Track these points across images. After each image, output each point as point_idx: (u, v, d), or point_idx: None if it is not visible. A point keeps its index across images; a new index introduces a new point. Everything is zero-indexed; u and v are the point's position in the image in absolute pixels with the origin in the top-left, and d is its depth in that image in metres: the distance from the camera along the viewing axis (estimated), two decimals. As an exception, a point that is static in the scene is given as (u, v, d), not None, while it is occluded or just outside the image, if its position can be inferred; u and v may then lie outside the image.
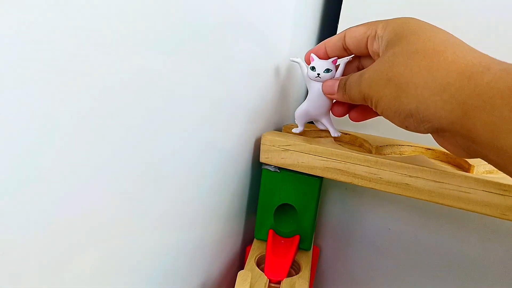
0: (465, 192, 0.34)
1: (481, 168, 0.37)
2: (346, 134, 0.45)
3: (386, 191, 0.38)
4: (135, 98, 0.22)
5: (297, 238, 0.45)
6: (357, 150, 0.41)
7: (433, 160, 0.40)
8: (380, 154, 0.41)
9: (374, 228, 0.51)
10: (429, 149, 0.42)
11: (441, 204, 0.36)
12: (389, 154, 0.41)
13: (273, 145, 0.42)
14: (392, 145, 0.42)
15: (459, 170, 0.37)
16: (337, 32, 0.46)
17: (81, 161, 0.19)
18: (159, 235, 0.30)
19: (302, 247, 0.45)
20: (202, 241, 0.38)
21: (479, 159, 0.37)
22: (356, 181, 0.39)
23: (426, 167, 0.36)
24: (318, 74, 0.39)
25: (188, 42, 0.26)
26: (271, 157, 0.42)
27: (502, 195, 0.33)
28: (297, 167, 0.41)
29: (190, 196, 0.33)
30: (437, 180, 0.35)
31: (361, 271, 0.54)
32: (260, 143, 0.42)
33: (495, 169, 0.36)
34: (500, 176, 0.35)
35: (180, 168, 0.30)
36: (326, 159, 0.40)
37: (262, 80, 0.41)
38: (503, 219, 0.34)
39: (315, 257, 0.50)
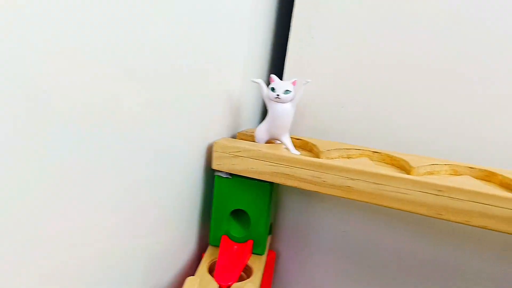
0: (402, 193, 0.36)
1: (421, 169, 0.38)
2: (297, 139, 0.46)
3: (330, 194, 0.39)
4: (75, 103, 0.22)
5: (250, 243, 0.45)
6: (307, 155, 0.42)
7: (377, 163, 0.42)
8: (328, 157, 0.42)
9: (330, 232, 0.52)
10: (376, 152, 0.43)
11: (381, 205, 0.37)
12: (336, 157, 0.42)
13: (224, 152, 0.42)
14: (339, 149, 0.43)
15: (401, 171, 0.39)
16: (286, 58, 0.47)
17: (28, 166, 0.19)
18: (111, 242, 0.30)
19: (256, 252, 0.46)
20: (156, 247, 0.38)
21: (421, 161, 0.38)
22: (302, 185, 0.40)
23: (367, 170, 0.37)
24: (278, 95, 0.40)
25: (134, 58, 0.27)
26: (223, 163, 0.43)
27: (436, 195, 0.34)
28: (247, 173, 0.42)
29: (140, 202, 0.33)
30: (377, 182, 0.36)
31: (319, 274, 0.54)
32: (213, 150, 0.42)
33: (437, 170, 0.37)
34: (437, 177, 0.37)
35: (127, 174, 0.30)
36: (273, 164, 0.40)
37: (214, 88, 0.42)
38: (439, 218, 0.35)
39: (271, 261, 0.51)
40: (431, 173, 0.39)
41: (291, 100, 0.42)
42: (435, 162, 0.39)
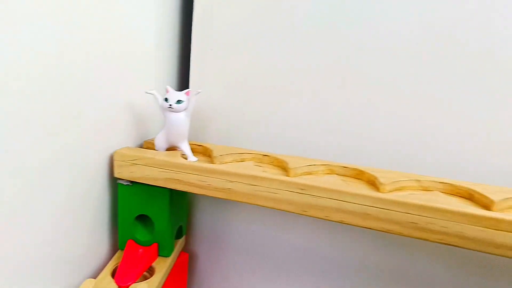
0: (273, 192, 0.39)
1: (299, 170, 0.42)
2: (199, 145, 0.49)
3: (214, 197, 0.41)
4: None
5: (155, 246, 0.48)
6: (206, 160, 0.45)
7: (265, 165, 0.45)
8: (221, 162, 0.44)
9: (240, 231, 0.55)
10: (265, 155, 0.46)
11: (257, 205, 0.40)
12: (230, 161, 0.45)
13: (123, 160, 0.45)
14: (233, 154, 0.46)
15: (283, 172, 0.42)
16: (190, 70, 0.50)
17: None
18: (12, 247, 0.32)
19: (162, 254, 0.48)
20: (64, 254, 0.40)
21: (301, 162, 0.41)
22: (191, 189, 0.43)
23: (243, 173, 0.40)
24: (170, 105, 0.43)
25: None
26: (122, 171, 0.45)
27: (300, 193, 0.38)
28: (145, 180, 0.45)
29: (39, 208, 0.36)
30: (252, 184, 0.39)
31: (234, 272, 0.57)
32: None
33: (315, 170, 0.40)
34: (307, 177, 0.40)
35: (25, 180, 0.32)
36: (166, 170, 0.43)
37: (117, 99, 0.45)
38: (304, 215, 0.38)
39: (183, 262, 0.53)
40: (308, 173, 0.42)
41: (185, 110, 0.44)
42: (314, 163, 0.43)
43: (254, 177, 0.39)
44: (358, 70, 0.45)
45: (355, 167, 0.42)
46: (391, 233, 0.35)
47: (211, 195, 0.41)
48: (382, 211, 0.35)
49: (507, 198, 0.35)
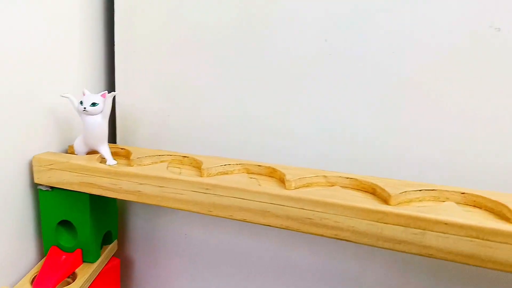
0: (179, 193, 0.38)
1: (213, 170, 0.41)
2: (122, 149, 0.49)
3: (126, 199, 0.41)
4: None
5: (78, 252, 0.47)
6: (126, 164, 0.44)
7: (183, 166, 0.44)
8: (139, 165, 0.44)
9: (173, 235, 0.55)
10: (185, 156, 0.46)
11: (165, 206, 0.39)
12: (149, 164, 0.45)
13: (41, 165, 0.44)
14: (152, 156, 0.46)
15: (198, 173, 0.41)
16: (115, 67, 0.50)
17: None
18: None
19: (86, 260, 0.48)
20: None
21: (216, 162, 0.41)
22: (104, 193, 0.42)
23: (150, 174, 0.39)
24: (85, 108, 0.43)
25: None
26: (41, 177, 0.45)
27: (205, 193, 0.37)
28: (61, 185, 0.44)
29: None
30: (160, 185, 0.39)
31: (171, 276, 0.57)
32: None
33: (230, 169, 0.40)
34: (218, 177, 0.40)
35: None
36: (79, 174, 0.43)
37: (38, 103, 0.44)
38: (210, 215, 0.38)
39: (114, 268, 0.52)
40: (223, 173, 0.42)
41: (101, 112, 0.44)
42: (229, 162, 0.42)
43: (162, 179, 0.39)
44: (272, 72, 0.45)
45: (268, 166, 0.42)
46: (290, 229, 0.35)
47: (123, 198, 0.41)
48: (279, 208, 0.35)
49: (405, 192, 0.35)
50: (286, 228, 0.35)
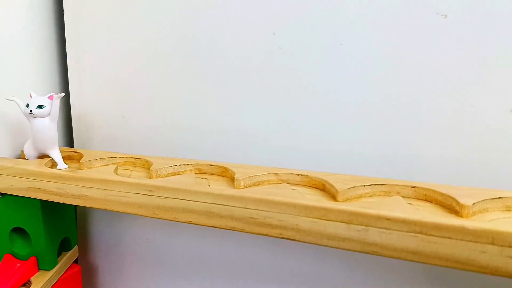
0: (124, 196, 0.37)
1: (163, 171, 0.40)
2: (75, 152, 0.47)
3: (72, 204, 0.40)
4: None
5: (33, 259, 0.46)
6: (77, 167, 0.43)
7: (135, 168, 0.43)
8: (89, 167, 0.43)
9: (136, 240, 0.53)
10: (137, 158, 0.44)
11: (111, 210, 0.38)
12: (100, 166, 0.44)
13: (-10, 171, 0.43)
14: (103, 158, 0.44)
15: (148, 174, 0.40)
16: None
17: None
18: None
19: (42, 267, 0.46)
20: None
21: (166, 163, 0.40)
22: (52, 198, 0.41)
23: (96, 177, 0.38)
24: (31, 110, 0.41)
25: None
26: (-10, 183, 0.43)
27: (149, 195, 0.36)
28: (10, 191, 0.43)
29: None
30: (104, 188, 0.38)
31: (135, 281, 0.55)
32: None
33: (181, 170, 0.39)
34: (167, 178, 0.38)
35: None
36: (26, 179, 0.41)
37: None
38: (155, 217, 0.36)
39: (75, 275, 0.51)
40: (175, 174, 0.40)
41: (48, 115, 0.42)
42: (181, 162, 0.41)
43: (106, 181, 0.38)
44: (221, 71, 0.43)
45: (220, 165, 0.40)
46: (235, 230, 0.34)
47: (69, 202, 0.40)
48: (223, 208, 0.33)
49: (353, 187, 0.33)
50: (232, 229, 0.34)
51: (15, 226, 0.45)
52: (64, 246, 0.50)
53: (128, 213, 0.37)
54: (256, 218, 0.33)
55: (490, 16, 0.33)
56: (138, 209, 0.37)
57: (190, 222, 0.35)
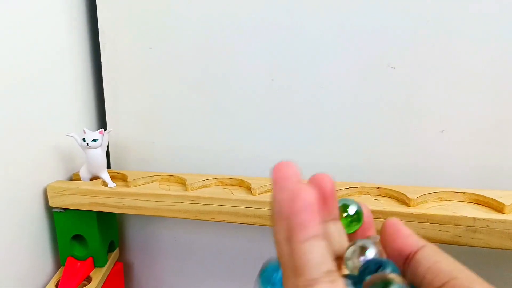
0: (172, 205, 0.50)
1: (195, 185, 0.53)
2: (118, 173, 0.60)
3: (129, 213, 0.53)
4: None
5: (90, 259, 0.58)
6: (124, 185, 0.56)
7: (173, 184, 0.56)
8: (135, 185, 0.56)
9: (165, 240, 0.67)
10: (171, 175, 0.58)
11: (162, 216, 0.51)
12: (142, 184, 0.57)
13: (55, 192, 0.55)
14: (145, 177, 0.57)
15: (183, 188, 0.53)
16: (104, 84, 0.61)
17: None
18: None
19: (97, 265, 0.59)
20: (12, 274, 0.50)
21: (196, 178, 0.53)
22: (111, 210, 0.54)
23: (148, 192, 0.51)
24: (88, 144, 0.54)
25: None
26: (55, 201, 0.55)
27: (192, 203, 0.50)
28: (73, 206, 0.55)
29: None
30: (155, 200, 0.51)
31: (165, 276, 0.69)
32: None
33: (208, 183, 0.52)
34: (201, 190, 0.52)
35: None
36: (89, 196, 0.54)
37: (43, 139, 0.55)
38: (197, 219, 0.50)
39: (118, 271, 0.64)
40: (204, 187, 0.54)
41: (100, 146, 0.55)
42: (207, 177, 0.55)
43: (157, 195, 0.51)
44: (234, 104, 0.57)
45: (237, 178, 0.55)
46: (258, 225, 0.48)
47: (126, 212, 0.53)
48: (248, 209, 0.48)
49: (337, 190, 0.48)
50: (255, 224, 0.48)
51: (74, 234, 0.58)
52: (110, 248, 0.63)
53: (175, 218, 0.51)
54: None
55: (427, 68, 0.49)
56: (183, 214, 0.51)
57: (224, 221, 0.49)
